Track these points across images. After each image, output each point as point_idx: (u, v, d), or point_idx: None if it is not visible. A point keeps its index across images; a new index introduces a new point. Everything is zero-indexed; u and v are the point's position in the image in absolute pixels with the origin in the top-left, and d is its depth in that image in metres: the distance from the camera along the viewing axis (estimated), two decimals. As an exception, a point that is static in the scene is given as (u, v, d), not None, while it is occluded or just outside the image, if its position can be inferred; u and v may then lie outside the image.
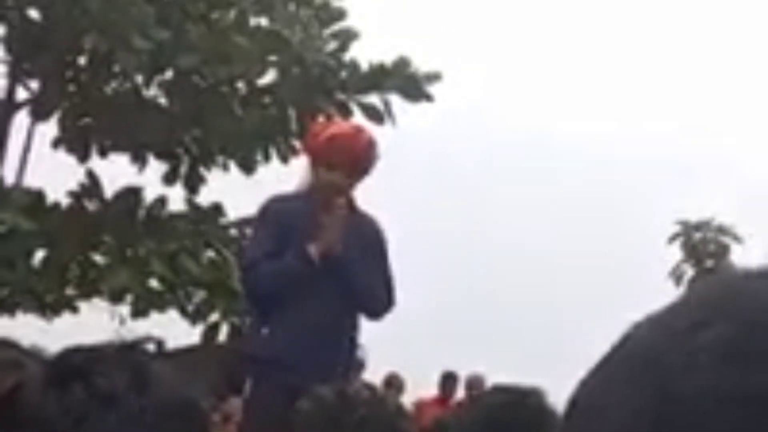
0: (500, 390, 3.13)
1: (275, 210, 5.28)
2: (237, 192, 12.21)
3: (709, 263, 20.63)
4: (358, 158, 5.18)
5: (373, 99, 12.43)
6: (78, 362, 1.61)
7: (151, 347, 1.69)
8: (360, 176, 5.23)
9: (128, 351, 1.65)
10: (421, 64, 12.43)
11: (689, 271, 20.98)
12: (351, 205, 5.29)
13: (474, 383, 12.91)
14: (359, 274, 5.12)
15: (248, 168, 12.63)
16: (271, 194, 5.49)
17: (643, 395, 0.66)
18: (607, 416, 0.67)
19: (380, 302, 5.30)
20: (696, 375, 0.65)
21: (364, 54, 12.60)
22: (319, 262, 5.05)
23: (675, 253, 21.60)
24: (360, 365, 10.71)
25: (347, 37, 12.53)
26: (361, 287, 5.15)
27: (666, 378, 0.65)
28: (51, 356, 1.72)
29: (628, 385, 0.67)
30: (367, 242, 5.22)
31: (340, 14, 12.60)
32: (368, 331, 5.62)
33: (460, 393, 13.06)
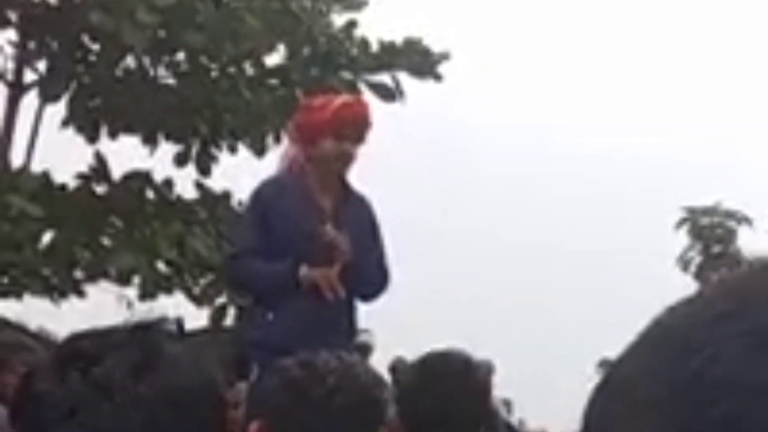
0: None
1: (266, 196, 5.26)
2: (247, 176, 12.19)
3: (717, 248, 20.50)
4: (366, 126, 5.26)
5: (383, 78, 12.46)
6: (82, 349, 1.60)
7: (168, 328, 1.67)
8: (361, 146, 5.27)
9: (139, 335, 1.63)
10: (431, 44, 12.51)
11: (696, 258, 20.86)
12: (343, 183, 5.30)
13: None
14: (362, 270, 5.11)
15: (259, 150, 12.62)
16: (263, 179, 5.47)
17: (678, 377, 0.66)
18: (644, 392, 0.67)
19: (375, 287, 5.31)
20: (726, 364, 0.65)
21: (374, 33, 12.66)
22: (307, 289, 5.03)
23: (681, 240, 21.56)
24: (367, 349, 10.70)
25: (355, 6, 12.51)
26: (362, 280, 5.15)
27: (699, 363, 0.66)
28: (60, 341, 1.73)
29: (664, 365, 0.67)
30: (360, 223, 5.21)
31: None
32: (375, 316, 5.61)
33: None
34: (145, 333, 1.64)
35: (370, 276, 5.18)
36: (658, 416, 0.66)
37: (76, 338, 1.65)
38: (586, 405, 0.72)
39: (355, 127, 5.18)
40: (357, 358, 2.83)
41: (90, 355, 1.58)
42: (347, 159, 5.18)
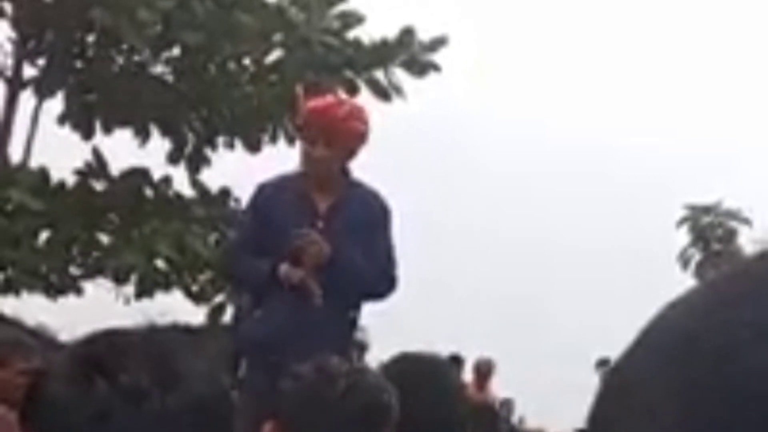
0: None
1: (264, 195, 5.23)
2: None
3: (717, 247, 20.63)
4: (335, 130, 5.03)
5: (380, 75, 12.41)
6: (102, 353, 1.58)
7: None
8: (344, 149, 5.09)
9: (156, 342, 1.62)
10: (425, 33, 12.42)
11: (696, 255, 21.02)
12: (347, 180, 5.20)
13: (482, 366, 12.92)
14: (354, 269, 5.04)
15: (253, 147, 12.60)
16: (266, 178, 5.42)
17: (687, 370, 0.64)
18: (652, 389, 0.66)
19: (374, 287, 5.22)
20: (736, 353, 0.63)
21: (371, 30, 12.61)
22: (287, 287, 4.98)
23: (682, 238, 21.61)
24: (362, 347, 10.71)
25: (352, 19, 12.49)
26: (355, 279, 5.06)
27: (708, 355, 0.64)
28: (76, 343, 1.68)
29: (672, 361, 0.66)
30: (355, 223, 5.11)
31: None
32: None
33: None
34: (162, 340, 1.63)
35: (364, 275, 5.08)
36: (657, 419, 0.64)
37: (92, 341, 1.62)
38: (589, 409, 0.70)
39: (324, 130, 5.01)
40: (365, 364, 2.90)
41: (111, 360, 1.56)
42: (313, 162, 5.06)
